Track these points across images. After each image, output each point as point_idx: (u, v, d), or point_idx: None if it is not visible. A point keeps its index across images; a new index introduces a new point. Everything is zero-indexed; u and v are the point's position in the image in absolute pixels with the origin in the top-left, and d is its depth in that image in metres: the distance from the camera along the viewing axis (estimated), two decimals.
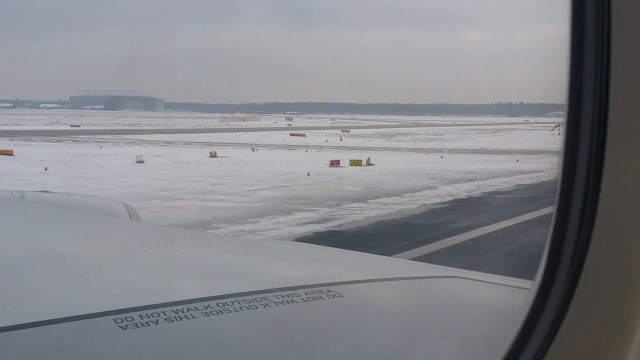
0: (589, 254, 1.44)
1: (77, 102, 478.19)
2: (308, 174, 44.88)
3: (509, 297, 3.58)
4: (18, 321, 2.77)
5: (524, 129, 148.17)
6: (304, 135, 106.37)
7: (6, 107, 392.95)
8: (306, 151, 71.15)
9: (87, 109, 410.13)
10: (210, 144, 78.55)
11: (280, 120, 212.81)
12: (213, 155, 61.90)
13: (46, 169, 46.89)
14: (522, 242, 22.06)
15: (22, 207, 6.82)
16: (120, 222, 6.76)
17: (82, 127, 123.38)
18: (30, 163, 51.07)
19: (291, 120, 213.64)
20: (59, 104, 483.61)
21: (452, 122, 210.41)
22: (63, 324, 2.77)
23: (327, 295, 3.30)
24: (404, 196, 34.09)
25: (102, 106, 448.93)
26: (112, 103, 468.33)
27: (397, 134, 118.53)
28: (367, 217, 27.31)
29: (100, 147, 71.36)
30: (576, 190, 1.47)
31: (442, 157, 63.95)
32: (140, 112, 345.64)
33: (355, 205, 30.84)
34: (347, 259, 5.29)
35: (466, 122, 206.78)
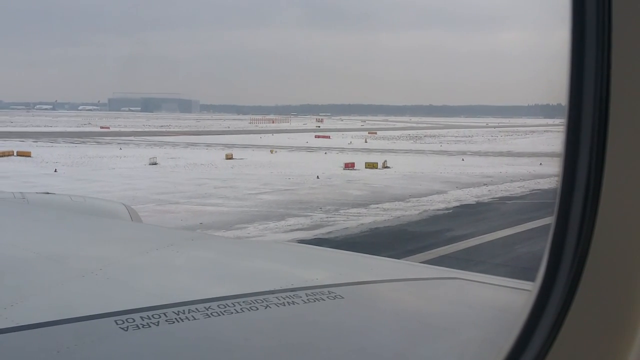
0: (589, 256, 1.44)
1: (115, 104, 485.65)
2: (317, 177, 43.76)
3: (510, 298, 3.54)
4: (19, 322, 2.76)
5: (558, 131, 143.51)
6: (328, 137, 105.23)
7: (46, 109, 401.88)
8: (325, 153, 69.99)
9: (124, 110, 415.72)
10: (231, 146, 78.09)
11: (310, 122, 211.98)
12: (229, 157, 61.26)
13: (55, 170, 46.80)
14: (518, 253, 20.53)
15: (23, 208, 6.79)
16: (121, 223, 6.71)
17: (111, 129, 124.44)
18: (44, 165, 51.11)
19: (321, 122, 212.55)
20: (97, 106, 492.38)
21: (485, 124, 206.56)
22: (64, 325, 2.76)
23: (327, 297, 3.27)
24: (409, 201, 32.68)
25: (139, 108, 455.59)
26: (149, 105, 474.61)
27: (424, 136, 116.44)
28: (361, 224, 26.05)
29: (120, 148, 71.46)
30: (577, 191, 1.46)
31: (463, 159, 62.09)
32: (175, 114, 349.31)
33: (353, 210, 29.57)
34: (348, 261, 5.23)
35: (499, 124, 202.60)
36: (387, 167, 54.29)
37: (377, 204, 31.63)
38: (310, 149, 75.86)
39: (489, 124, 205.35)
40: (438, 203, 32.17)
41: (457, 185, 40.15)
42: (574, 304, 1.46)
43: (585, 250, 1.45)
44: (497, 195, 35.57)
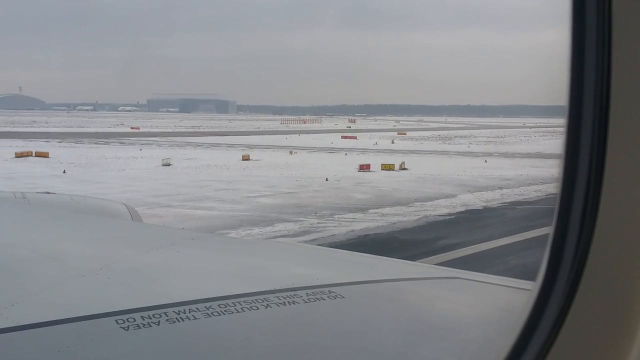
0: (590, 256, 1.44)
1: (153, 105, 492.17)
2: (326, 179, 42.39)
3: (510, 298, 3.53)
4: (20, 322, 2.76)
5: None
6: (355, 137, 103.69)
7: (87, 110, 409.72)
8: (346, 154, 68.55)
9: (162, 111, 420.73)
10: (253, 147, 77.33)
11: (343, 122, 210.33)
12: (245, 158, 60.36)
13: (64, 171, 46.52)
14: (510, 265, 18.81)
15: (24, 208, 6.77)
16: (122, 223, 6.66)
17: (141, 130, 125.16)
18: (57, 165, 50.97)
19: (354, 122, 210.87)
20: (136, 106, 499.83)
21: (522, 124, 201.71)
22: (65, 324, 2.76)
23: (328, 296, 3.26)
24: (412, 206, 31.03)
25: (177, 109, 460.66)
26: (187, 106, 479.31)
27: (455, 137, 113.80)
28: (351, 231, 24.59)
29: (140, 149, 71.24)
30: (577, 192, 1.46)
31: (486, 161, 59.85)
32: (211, 115, 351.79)
33: (348, 215, 28.11)
34: (348, 260, 5.21)
35: (537, 124, 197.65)
36: (404, 169, 52.57)
37: (377, 208, 30.10)
38: (332, 150, 74.49)
39: (526, 124, 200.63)
40: (442, 208, 30.45)
41: (470, 188, 38.25)
42: (575, 303, 1.45)
43: (586, 250, 1.43)
44: (508, 200, 33.61)
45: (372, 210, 29.43)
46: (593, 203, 1.43)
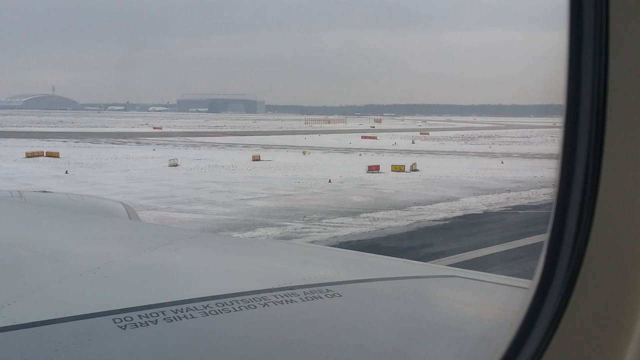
0: (586, 254, 1.44)
1: (183, 105, 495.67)
2: (329, 181, 41.11)
3: (507, 296, 3.52)
4: (17, 321, 2.75)
5: None
6: (374, 138, 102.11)
7: (118, 110, 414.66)
8: (360, 155, 67.15)
9: (192, 111, 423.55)
10: (269, 147, 76.51)
11: (369, 122, 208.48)
12: (256, 159, 59.42)
13: (67, 172, 46.11)
14: None
15: (20, 207, 6.71)
16: (119, 222, 6.61)
17: (163, 130, 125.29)
18: (63, 166, 50.65)
19: (379, 122, 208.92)
20: (166, 107, 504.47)
21: (552, 124, 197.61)
22: (62, 324, 2.75)
23: (326, 295, 3.26)
24: (408, 210, 29.58)
25: (206, 109, 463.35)
26: (215, 106, 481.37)
27: (478, 137, 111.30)
28: (334, 237, 23.28)
29: (154, 149, 70.84)
30: (574, 190, 1.47)
31: (502, 162, 57.85)
32: (239, 115, 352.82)
33: (337, 220, 26.81)
34: (346, 259, 5.17)
35: None
36: (415, 170, 50.99)
37: (371, 212, 28.73)
38: (347, 151, 73.15)
39: (557, 124, 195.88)
40: (439, 212, 28.92)
41: (476, 191, 36.58)
42: (572, 301, 1.45)
43: (583, 248, 1.43)
44: (512, 204, 31.88)
45: (364, 215, 28.07)
46: (590, 202, 1.42)
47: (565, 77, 1.46)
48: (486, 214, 28.91)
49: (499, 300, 3.58)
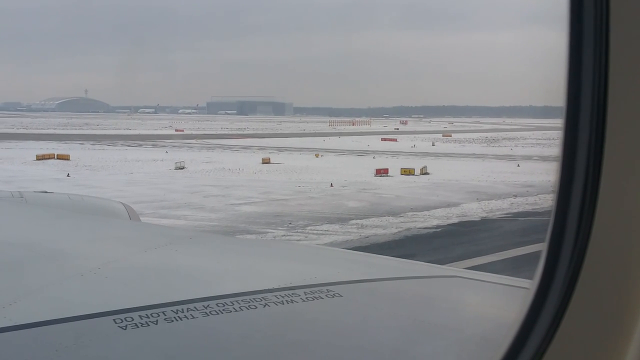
0: (587, 254, 1.44)
1: (212, 108, 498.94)
2: (331, 185, 39.89)
3: (508, 296, 3.50)
4: (18, 321, 2.75)
5: None
6: (394, 140, 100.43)
7: (148, 113, 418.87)
8: (373, 157, 65.74)
9: (221, 114, 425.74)
10: (283, 149, 75.65)
11: (395, 124, 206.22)
12: (265, 161, 58.48)
13: (68, 175, 45.71)
14: None
15: (21, 207, 6.69)
16: (120, 222, 6.59)
17: (185, 132, 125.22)
18: (69, 168, 50.39)
19: (405, 124, 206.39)
20: (196, 109, 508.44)
21: None
22: (63, 324, 2.74)
23: (326, 295, 3.24)
24: (401, 216, 28.17)
25: (235, 111, 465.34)
26: (244, 108, 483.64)
27: (502, 139, 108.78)
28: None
29: (167, 152, 70.40)
30: (575, 190, 1.46)
31: (518, 165, 55.89)
32: (266, 117, 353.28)
33: (323, 227, 25.58)
34: (347, 259, 5.18)
35: None
36: (425, 174, 49.42)
37: (362, 218, 27.41)
38: (362, 153, 71.79)
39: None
40: (434, 219, 27.45)
41: (481, 196, 34.97)
42: (572, 302, 1.45)
43: (583, 248, 1.43)
44: (514, 210, 30.22)
45: (353, 221, 26.76)
46: (590, 202, 1.41)
47: (565, 77, 1.45)
48: (483, 221, 27.33)
49: (499, 301, 3.57)
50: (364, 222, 26.73)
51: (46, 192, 8.44)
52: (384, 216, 28.12)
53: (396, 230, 24.83)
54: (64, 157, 59.29)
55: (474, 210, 30.13)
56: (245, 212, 29.42)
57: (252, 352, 2.68)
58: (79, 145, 78.91)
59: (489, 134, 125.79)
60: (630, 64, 1.37)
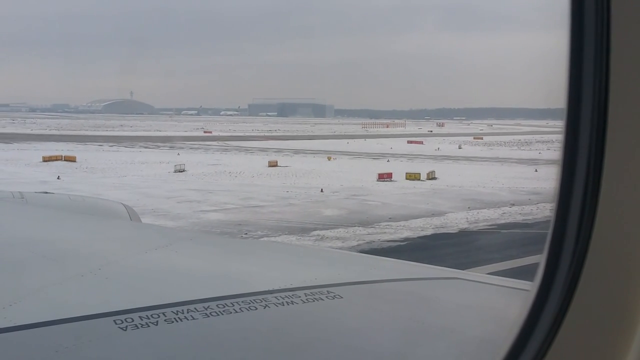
0: (588, 256, 1.44)
1: (254, 109, 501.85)
2: (321, 191, 37.87)
3: (508, 298, 3.51)
4: (18, 322, 2.75)
5: None
6: (421, 142, 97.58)
7: (191, 114, 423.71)
8: (388, 161, 63.43)
9: (262, 115, 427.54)
10: (300, 152, 73.96)
11: (431, 126, 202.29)
12: (272, 164, 56.81)
13: (58, 177, 44.81)
14: None
15: (21, 208, 6.75)
16: (120, 223, 6.58)
17: (213, 134, 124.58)
18: (68, 170, 49.68)
19: (442, 126, 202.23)
20: (237, 111, 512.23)
21: None
22: (63, 325, 2.75)
23: (326, 297, 3.24)
24: (375, 227, 25.88)
25: (276, 113, 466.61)
26: (285, 110, 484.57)
27: (535, 142, 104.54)
28: None
29: (178, 154, 69.51)
30: (575, 192, 1.47)
31: (536, 170, 52.68)
32: (306, 119, 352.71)
33: (279, 239, 23.49)
34: (347, 261, 5.19)
35: None
36: (432, 179, 46.87)
37: (328, 229, 25.25)
38: (379, 156, 69.46)
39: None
40: (406, 231, 25.05)
41: (476, 204, 32.33)
42: (573, 304, 1.45)
43: (584, 250, 1.43)
44: (501, 221, 27.52)
45: (315, 232, 24.62)
46: (591, 204, 1.40)
47: (566, 78, 1.44)
48: (460, 233, 24.77)
49: (500, 303, 3.53)
50: (327, 233, 24.56)
51: (47, 192, 8.47)
52: (354, 227, 25.87)
53: (357, 243, 22.57)
54: (70, 159, 58.81)
55: (457, 220, 27.57)
56: (208, 220, 27.59)
57: (252, 353, 2.69)
58: (96, 146, 78.75)
59: (523, 137, 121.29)
60: (631, 64, 1.35)
